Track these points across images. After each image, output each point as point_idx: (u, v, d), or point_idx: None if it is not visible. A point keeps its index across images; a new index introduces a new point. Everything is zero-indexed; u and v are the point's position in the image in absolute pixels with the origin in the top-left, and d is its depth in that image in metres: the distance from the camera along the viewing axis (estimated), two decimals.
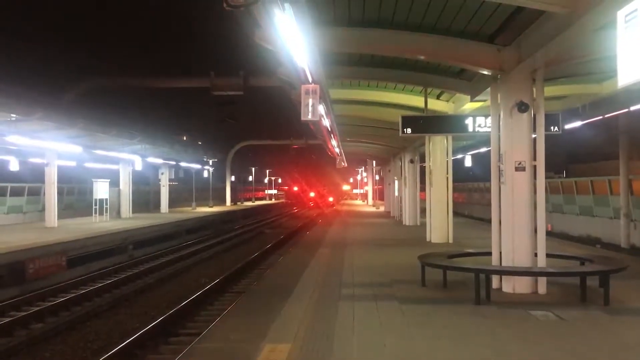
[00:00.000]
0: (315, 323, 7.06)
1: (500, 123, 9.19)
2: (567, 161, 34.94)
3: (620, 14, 4.36)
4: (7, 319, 11.04)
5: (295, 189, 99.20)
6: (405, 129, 13.05)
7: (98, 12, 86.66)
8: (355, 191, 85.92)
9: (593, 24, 6.91)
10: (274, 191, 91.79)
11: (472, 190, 39.62)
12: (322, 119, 12.84)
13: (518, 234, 8.87)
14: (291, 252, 15.83)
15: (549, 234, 10.05)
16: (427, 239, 17.43)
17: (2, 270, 13.99)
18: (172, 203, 39.70)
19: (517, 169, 8.85)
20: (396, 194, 30.67)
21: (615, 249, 17.45)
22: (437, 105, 15.86)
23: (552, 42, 7.64)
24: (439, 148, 17.75)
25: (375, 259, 13.30)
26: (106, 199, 27.24)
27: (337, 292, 9.17)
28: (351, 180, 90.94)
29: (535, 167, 8.81)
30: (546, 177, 9.08)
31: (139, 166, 29.20)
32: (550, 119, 11.63)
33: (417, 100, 15.29)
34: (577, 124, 16.94)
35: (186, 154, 38.83)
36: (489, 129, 10.25)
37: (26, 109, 16.53)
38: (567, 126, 15.93)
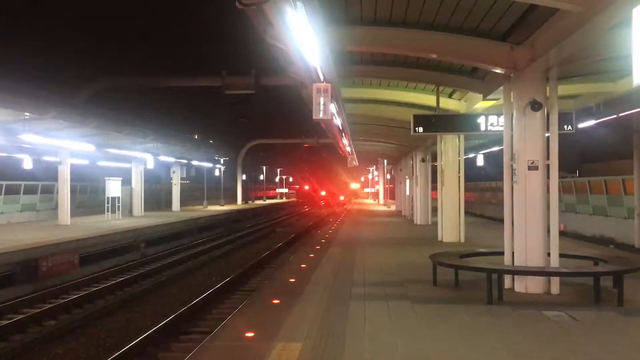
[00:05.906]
0: (327, 322, 7.05)
1: (513, 122, 9.12)
2: (581, 160, 34.56)
3: (636, 12, 4.31)
4: (21, 316, 11.16)
5: (307, 187, 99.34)
6: (417, 128, 13.03)
7: (110, 12, 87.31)
8: (366, 190, 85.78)
9: (607, 22, 6.84)
10: (285, 190, 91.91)
11: (484, 190, 39.38)
12: (334, 117, 12.84)
13: (530, 234, 8.80)
14: (302, 251, 15.83)
15: (561, 233, 9.95)
16: (439, 239, 17.36)
17: (16, 268, 14.15)
18: (184, 201, 39.86)
19: (530, 168, 8.79)
20: (407, 193, 30.59)
21: (629, 249, 17.27)
22: (449, 104, 15.79)
23: (565, 41, 7.56)
24: (450, 147, 17.66)
25: (387, 259, 13.27)
26: (118, 197, 27.44)
27: (348, 291, 9.17)
28: (362, 179, 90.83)
29: (548, 166, 8.74)
30: (559, 177, 9.00)
31: (151, 165, 29.34)
32: (564, 118, 11.53)
33: (429, 99, 15.24)
34: (591, 123, 16.76)
35: (198, 153, 38.95)
36: (502, 128, 10.19)
37: (40, 108, 16.63)
38: (581, 125, 15.76)
